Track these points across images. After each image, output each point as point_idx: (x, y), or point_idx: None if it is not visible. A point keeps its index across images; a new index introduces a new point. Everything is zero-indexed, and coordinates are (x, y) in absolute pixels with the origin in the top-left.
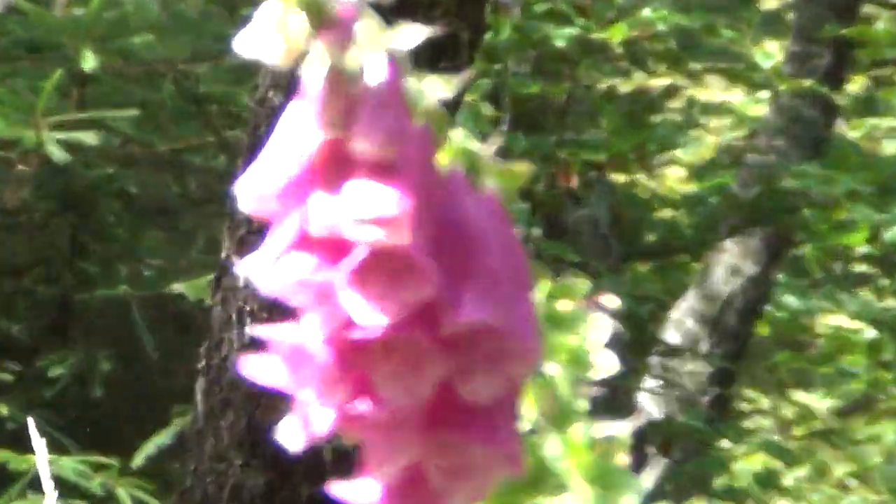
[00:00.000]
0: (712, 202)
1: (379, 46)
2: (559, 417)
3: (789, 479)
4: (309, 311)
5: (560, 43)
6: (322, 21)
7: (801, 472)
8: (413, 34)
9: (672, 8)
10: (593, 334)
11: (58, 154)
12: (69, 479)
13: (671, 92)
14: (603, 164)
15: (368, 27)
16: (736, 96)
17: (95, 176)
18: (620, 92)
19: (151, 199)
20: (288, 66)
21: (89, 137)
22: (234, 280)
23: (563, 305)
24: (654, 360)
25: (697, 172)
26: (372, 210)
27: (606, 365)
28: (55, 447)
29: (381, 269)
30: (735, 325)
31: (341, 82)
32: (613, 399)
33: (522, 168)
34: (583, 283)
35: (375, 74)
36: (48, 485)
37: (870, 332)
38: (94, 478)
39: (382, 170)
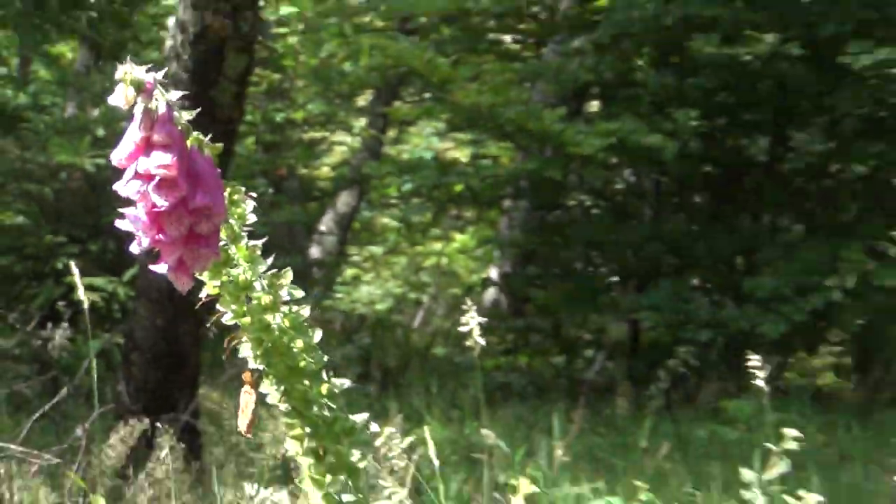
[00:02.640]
0: None
1: (164, 101)
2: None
3: None
4: (140, 202)
5: None
6: (140, 88)
7: None
8: (176, 97)
9: None
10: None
11: None
12: None
13: None
14: None
15: (159, 90)
16: None
17: None
18: None
19: None
20: (128, 105)
21: None
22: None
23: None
24: None
25: None
26: (161, 164)
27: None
28: None
29: (165, 185)
30: None
31: (149, 113)
32: None
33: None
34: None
35: (161, 110)
36: None
37: None
38: None
39: (165, 147)
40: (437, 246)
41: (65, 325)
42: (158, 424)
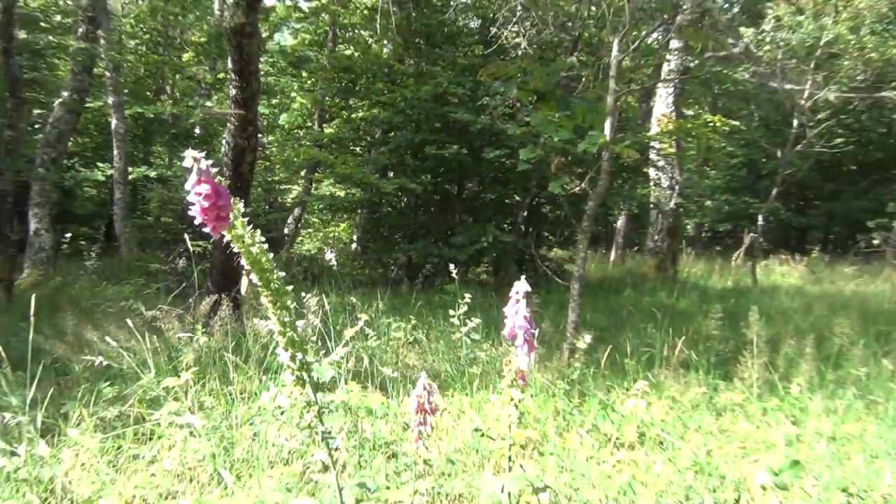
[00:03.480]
0: None
1: (206, 164)
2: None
3: None
4: (197, 204)
5: None
6: (196, 160)
7: None
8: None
9: None
10: None
11: None
12: None
13: None
14: None
15: (204, 161)
16: None
17: None
18: None
19: None
20: (191, 166)
21: None
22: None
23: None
24: None
25: None
26: (205, 189)
27: None
28: None
29: (206, 197)
30: None
31: (199, 169)
32: None
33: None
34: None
35: (204, 168)
36: None
37: None
38: None
39: (206, 182)
40: (333, 228)
41: (184, 259)
42: (223, 298)
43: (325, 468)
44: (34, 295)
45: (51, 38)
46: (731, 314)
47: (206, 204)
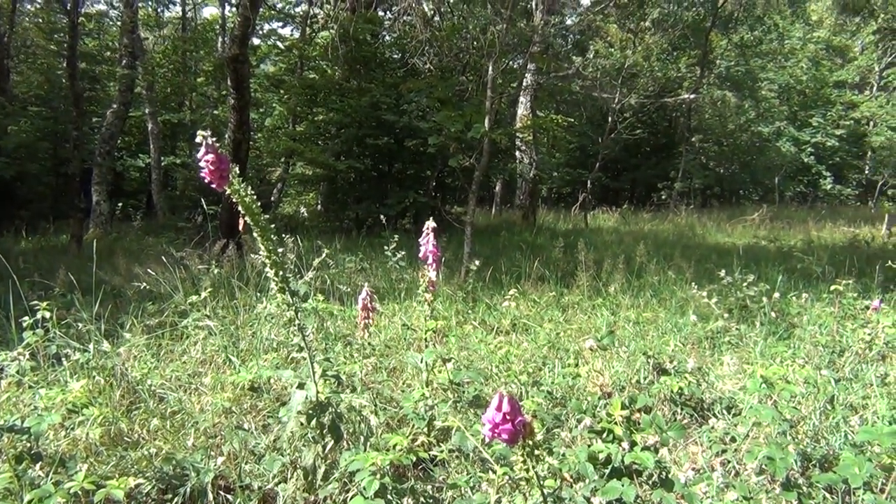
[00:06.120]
0: None
1: (211, 140)
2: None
3: None
4: (205, 167)
5: None
6: (205, 137)
7: None
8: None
9: None
10: None
11: None
12: None
13: None
14: None
15: (210, 136)
16: None
17: None
18: None
19: None
20: (202, 140)
21: None
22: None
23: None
24: None
25: None
26: (209, 156)
27: None
28: None
29: (210, 162)
30: None
31: (207, 143)
32: None
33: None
34: None
35: (209, 143)
36: None
37: None
38: None
39: (211, 151)
40: (305, 196)
41: (202, 218)
42: (230, 242)
43: (301, 349)
44: (96, 245)
45: (103, 66)
46: (570, 245)
47: (211, 167)
